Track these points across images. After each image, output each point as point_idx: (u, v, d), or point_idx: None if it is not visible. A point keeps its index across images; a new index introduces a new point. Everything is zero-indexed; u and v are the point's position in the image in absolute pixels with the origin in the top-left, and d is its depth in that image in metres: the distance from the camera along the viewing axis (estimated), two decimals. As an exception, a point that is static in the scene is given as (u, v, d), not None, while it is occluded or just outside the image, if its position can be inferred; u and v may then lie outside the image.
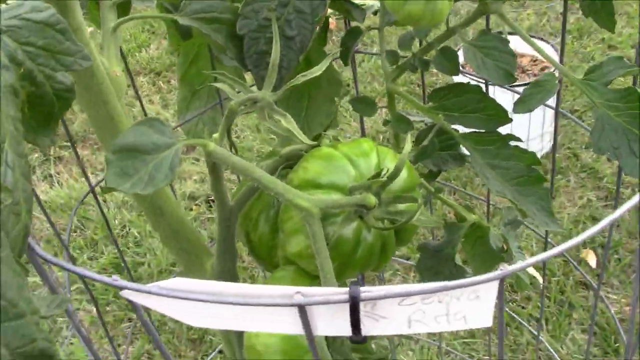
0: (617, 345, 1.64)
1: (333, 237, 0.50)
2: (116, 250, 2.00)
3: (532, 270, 1.80)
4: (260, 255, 0.61)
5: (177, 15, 0.58)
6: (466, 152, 0.70)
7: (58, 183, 2.24)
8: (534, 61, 2.27)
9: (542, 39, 2.19)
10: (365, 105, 0.74)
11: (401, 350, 1.66)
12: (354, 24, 0.73)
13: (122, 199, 2.16)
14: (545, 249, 0.99)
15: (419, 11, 0.54)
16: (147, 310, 0.42)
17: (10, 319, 0.30)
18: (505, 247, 0.74)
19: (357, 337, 0.37)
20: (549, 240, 0.96)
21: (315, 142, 0.55)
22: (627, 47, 2.49)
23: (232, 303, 0.35)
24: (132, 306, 0.39)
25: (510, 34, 0.66)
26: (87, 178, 0.72)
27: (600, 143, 0.57)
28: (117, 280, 0.37)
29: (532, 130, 2.09)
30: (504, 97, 1.28)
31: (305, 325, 0.36)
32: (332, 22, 2.36)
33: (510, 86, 1.08)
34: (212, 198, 2.15)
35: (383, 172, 0.49)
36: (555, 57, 2.08)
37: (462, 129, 0.68)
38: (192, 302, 0.36)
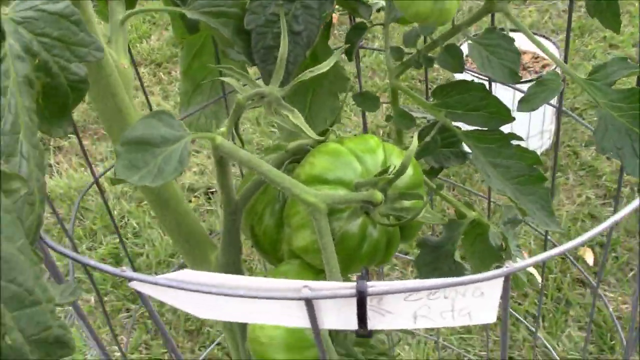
0: (612, 342, 1.65)
1: (339, 232, 0.50)
2: (115, 241, 2.01)
3: (530, 268, 1.81)
4: (264, 249, 0.61)
5: (185, 9, 0.59)
6: (468, 149, 0.70)
7: (57, 173, 2.24)
8: (536, 58, 2.27)
9: (544, 36, 2.19)
10: (368, 101, 0.74)
11: (398, 345, 1.67)
12: (358, 19, 0.74)
13: (121, 190, 2.16)
14: (545, 248, 1.00)
15: (427, 9, 0.54)
16: (145, 302, 0.42)
17: (26, 306, 0.30)
18: (504, 246, 0.75)
19: (363, 332, 0.37)
20: (548, 238, 0.97)
21: (322, 138, 0.56)
22: (629, 46, 2.50)
23: (240, 296, 0.36)
24: (140, 297, 0.40)
25: (511, 30, 0.66)
26: (91, 169, 0.73)
27: (603, 143, 0.57)
28: (125, 271, 0.37)
29: (532, 128, 2.09)
30: (505, 94, 1.28)
31: (311, 319, 0.36)
32: (334, 16, 2.36)
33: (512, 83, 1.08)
34: (212, 190, 2.15)
35: (390, 169, 0.50)
36: (557, 55, 2.09)
37: (464, 127, 0.69)
38: (200, 294, 0.36)
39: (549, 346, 1.44)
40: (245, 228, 0.62)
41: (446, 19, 0.56)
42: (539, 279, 1.80)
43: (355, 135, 0.63)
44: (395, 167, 0.50)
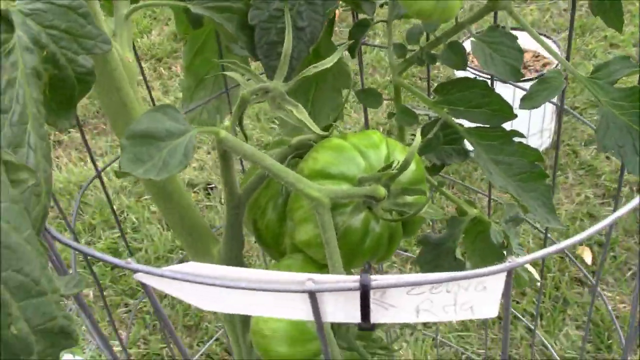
0: (610, 342, 1.65)
1: (342, 227, 0.50)
2: (114, 236, 2.01)
3: (529, 267, 1.81)
4: (267, 243, 0.61)
5: (190, 4, 0.59)
6: (469, 146, 0.70)
7: (57, 167, 2.24)
8: (536, 57, 2.28)
9: (545, 35, 2.19)
10: (371, 97, 0.75)
11: (396, 342, 1.67)
12: (361, 16, 0.74)
13: (120, 185, 2.16)
14: (544, 245, 1.00)
15: (431, 7, 0.55)
16: (145, 297, 0.42)
17: (32, 296, 0.31)
18: (505, 243, 0.75)
19: (366, 325, 0.38)
20: (548, 236, 0.97)
21: (325, 133, 0.56)
22: (629, 46, 2.50)
23: (245, 288, 0.36)
24: (144, 289, 0.40)
25: (513, 28, 0.67)
26: (93, 162, 0.73)
27: (604, 141, 0.58)
28: (130, 263, 0.38)
29: (532, 127, 2.10)
30: (505, 92, 1.28)
31: (315, 312, 0.37)
32: (337, 13, 2.36)
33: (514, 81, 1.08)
34: (211, 186, 2.15)
35: (393, 164, 0.50)
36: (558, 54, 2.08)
37: (466, 124, 0.69)
38: (204, 286, 0.37)
39: (547, 344, 1.45)
40: (247, 222, 0.62)
41: (449, 17, 0.56)
42: (537, 277, 1.80)
43: (356, 131, 0.63)
44: (398, 163, 0.50)
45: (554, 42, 2.14)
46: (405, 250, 1.84)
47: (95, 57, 0.43)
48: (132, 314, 1.78)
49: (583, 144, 2.18)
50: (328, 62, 0.54)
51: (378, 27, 2.62)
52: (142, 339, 1.77)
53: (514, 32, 0.66)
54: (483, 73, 1.12)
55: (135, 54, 0.68)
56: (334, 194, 0.47)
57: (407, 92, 2.05)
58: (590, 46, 2.53)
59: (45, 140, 0.37)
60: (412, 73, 2.47)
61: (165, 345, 1.71)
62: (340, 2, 0.74)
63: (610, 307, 1.00)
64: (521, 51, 0.63)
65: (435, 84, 0.70)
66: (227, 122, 0.51)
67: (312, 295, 0.36)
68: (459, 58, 0.67)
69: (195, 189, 2.14)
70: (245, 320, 0.63)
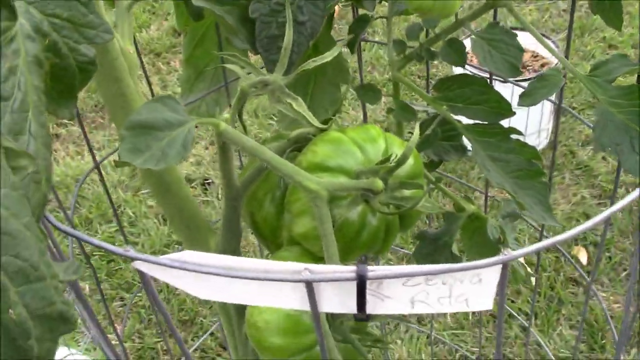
0: (603, 342, 1.66)
1: (339, 219, 0.51)
2: (110, 230, 2.01)
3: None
4: (264, 235, 0.62)
5: (191, -4, 0.59)
6: (467, 143, 0.71)
7: (54, 160, 2.24)
8: (535, 57, 2.28)
9: (544, 35, 2.20)
10: (370, 93, 0.75)
11: (390, 339, 1.68)
12: (361, 11, 0.74)
13: (117, 179, 2.17)
14: (539, 256, 1.01)
15: (431, 3, 0.55)
16: (140, 291, 0.43)
17: (31, 281, 0.31)
18: (502, 239, 0.76)
19: (362, 316, 0.38)
20: (544, 234, 0.98)
21: (324, 126, 0.56)
22: (628, 47, 2.51)
23: (241, 277, 0.36)
24: (141, 278, 0.40)
25: (512, 28, 0.67)
26: (92, 155, 0.73)
27: (602, 139, 0.58)
28: (129, 251, 0.38)
29: (530, 126, 2.10)
30: (504, 91, 1.29)
31: (311, 302, 0.37)
32: (336, 9, 2.36)
33: (512, 80, 1.09)
34: (208, 181, 2.16)
35: (391, 158, 0.50)
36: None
37: (465, 120, 0.69)
38: (202, 274, 0.37)
39: (542, 342, 1.45)
40: (245, 215, 0.62)
41: (449, 13, 0.57)
42: (533, 279, 1.81)
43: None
44: (396, 156, 0.50)
45: (553, 42, 2.15)
46: (402, 247, 1.84)
47: (96, 47, 0.43)
48: (128, 307, 1.78)
49: (580, 144, 2.19)
50: (327, 57, 0.55)
51: (378, 25, 2.63)
52: (137, 333, 1.77)
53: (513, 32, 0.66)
54: (482, 71, 1.12)
55: (136, 46, 0.68)
56: (332, 187, 0.47)
57: (405, 89, 2.06)
58: (589, 47, 2.54)
59: (46, 128, 0.37)
60: (411, 71, 2.48)
61: (160, 339, 1.72)
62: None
63: (604, 307, 1.00)
64: (521, 49, 0.64)
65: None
66: (226, 115, 0.52)
67: (309, 285, 0.36)
68: (458, 55, 0.67)
69: (192, 184, 2.14)
70: (240, 312, 0.63)
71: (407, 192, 0.52)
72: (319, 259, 0.54)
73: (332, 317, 0.52)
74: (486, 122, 0.68)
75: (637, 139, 0.56)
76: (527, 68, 2.25)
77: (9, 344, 0.31)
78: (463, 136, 0.70)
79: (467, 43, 0.73)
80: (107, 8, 0.62)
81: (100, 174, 0.74)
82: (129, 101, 0.59)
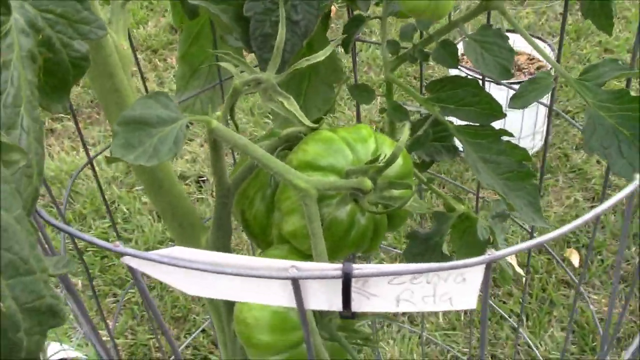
0: (594, 344, 1.67)
1: (328, 218, 0.51)
2: (104, 225, 2.01)
3: (516, 266, 1.83)
4: (254, 233, 0.62)
5: (186, -6, 0.59)
6: (459, 144, 0.71)
7: (49, 155, 2.24)
8: (531, 59, 2.29)
9: (539, 38, 2.20)
10: (363, 93, 0.75)
11: (383, 338, 1.68)
12: (356, 12, 0.74)
13: (112, 175, 2.17)
14: (529, 251, 1.01)
15: (424, 5, 0.55)
16: (132, 288, 0.43)
17: (21, 274, 0.31)
18: (491, 239, 0.76)
19: (347, 313, 0.38)
20: (534, 235, 0.98)
21: (315, 125, 0.57)
22: (623, 51, 2.52)
23: (229, 273, 0.37)
24: (132, 273, 0.41)
25: (508, 31, 0.67)
26: (86, 149, 0.74)
27: (591, 142, 0.58)
28: (118, 246, 0.38)
29: (525, 129, 2.11)
30: (499, 94, 1.29)
31: (297, 299, 0.37)
32: (332, 8, 2.36)
33: (506, 83, 1.09)
34: (203, 179, 2.16)
35: (380, 158, 0.51)
36: (552, 57, 2.09)
37: (457, 122, 0.70)
38: (191, 270, 0.37)
39: (531, 344, 1.46)
40: (236, 212, 0.63)
41: (442, 14, 0.57)
42: (523, 273, 1.82)
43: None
44: (385, 157, 0.51)
45: (549, 45, 2.16)
46: (395, 247, 1.85)
47: (90, 43, 0.44)
48: (120, 303, 1.78)
49: (574, 147, 2.19)
50: (320, 56, 0.55)
51: (375, 25, 2.63)
52: (130, 329, 1.77)
53: (509, 35, 0.67)
54: (477, 73, 1.12)
55: (131, 42, 0.69)
56: (321, 185, 0.48)
57: (401, 90, 2.06)
58: (585, 51, 2.55)
59: (38, 123, 0.37)
60: (407, 72, 2.48)
61: (152, 336, 1.72)
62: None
63: (593, 308, 1.01)
64: (512, 51, 0.64)
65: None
66: (219, 112, 0.52)
67: (295, 282, 0.36)
68: (450, 57, 0.68)
69: (186, 182, 2.15)
70: (230, 308, 0.63)
71: (396, 192, 0.52)
72: (308, 257, 0.54)
73: (320, 315, 0.52)
74: (478, 124, 0.68)
75: (626, 143, 0.57)
76: (523, 70, 2.26)
77: (-1, 335, 0.32)
78: (455, 137, 0.71)
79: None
80: (103, 4, 0.63)
81: (93, 170, 0.75)
82: (123, 97, 0.59)
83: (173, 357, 1.64)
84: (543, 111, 2.12)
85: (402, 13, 0.71)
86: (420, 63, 0.75)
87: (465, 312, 1.74)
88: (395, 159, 0.49)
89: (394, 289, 0.36)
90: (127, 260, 0.38)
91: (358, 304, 0.38)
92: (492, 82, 0.87)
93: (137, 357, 1.71)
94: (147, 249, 2.09)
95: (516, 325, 1.26)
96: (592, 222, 1.21)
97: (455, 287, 0.35)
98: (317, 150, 0.53)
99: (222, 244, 0.61)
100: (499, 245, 0.72)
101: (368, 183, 0.48)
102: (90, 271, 1.88)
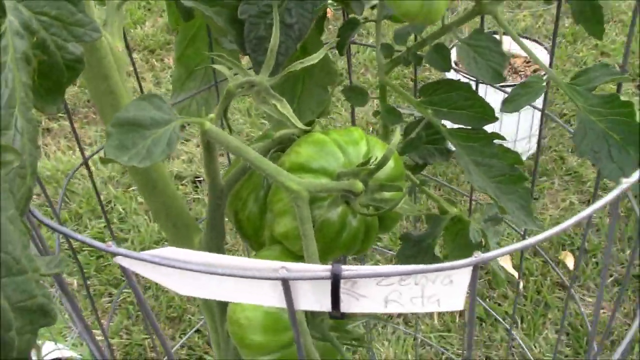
0: (596, 350, 1.67)
1: (319, 219, 0.52)
2: (100, 225, 2.01)
3: (510, 269, 1.83)
4: (247, 234, 0.62)
5: (181, -5, 0.60)
6: (452, 147, 0.72)
7: (45, 155, 2.24)
8: (527, 62, 2.30)
9: (536, 41, 2.21)
10: (357, 95, 0.76)
11: (378, 339, 1.69)
12: (351, 15, 0.75)
13: (108, 175, 2.17)
14: (521, 254, 1.02)
15: (416, 9, 0.56)
16: (127, 288, 0.44)
17: (13, 274, 0.32)
18: (483, 242, 0.77)
19: (336, 314, 0.39)
20: (526, 238, 0.99)
21: (308, 127, 0.57)
22: (620, 55, 2.52)
23: (220, 274, 0.37)
24: (124, 273, 0.41)
25: (506, 34, 0.68)
26: (81, 150, 0.74)
27: (582, 146, 0.59)
28: (111, 246, 0.39)
29: (521, 132, 2.12)
30: (496, 97, 1.29)
31: (287, 299, 0.38)
32: (330, 11, 2.37)
33: (502, 86, 1.10)
34: (199, 179, 2.16)
35: (371, 160, 0.51)
36: (548, 60, 2.10)
37: (450, 125, 0.70)
38: (183, 270, 0.38)
39: (524, 346, 1.46)
40: (229, 213, 0.63)
41: (435, 18, 0.58)
42: (521, 283, 1.82)
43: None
44: (376, 159, 0.51)
45: (545, 48, 2.16)
46: (391, 249, 1.85)
47: (84, 45, 0.44)
48: (115, 303, 1.78)
49: (570, 150, 2.20)
50: (314, 59, 0.55)
51: (372, 27, 2.63)
52: (125, 329, 1.78)
53: (506, 37, 0.67)
54: (473, 76, 1.13)
55: (127, 44, 0.69)
56: (313, 187, 0.48)
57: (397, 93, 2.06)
58: (581, 54, 2.56)
59: (32, 124, 0.37)
60: (404, 74, 2.49)
61: (147, 336, 1.72)
62: (332, 2, 0.75)
63: (587, 312, 1.01)
64: (504, 55, 0.65)
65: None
66: (212, 114, 0.53)
67: (285, 282, 0.37)
68: (443, 60, 0.68)
69: (183, 182, 2.15)
70: (223, 309, 0.64)
71: (387, 194, 0.53)
72: (299, 258, 0.55)
73: (312, 315, 0.53)
74: (470, 127, 0.69)
75: (616, 147, 0.57)
76: (519, 73, 2.27)
77: (-9, 334, 0.32)
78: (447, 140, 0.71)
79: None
80: (98, 5, 0.63)
81: (88, 170, 0.75)
82: (117, 98, 0.60)
83: (166, 357, 1.64)
84: (539, 114, 2.13)
85: (396, 17, 0.71)
86: (414, 66, 0.75)
87: (460, 314, 1.75)
88: (386, 162, 0.50)
89: (382, 290, 0.37)
90: (119, 260, 0.39)
91: (347, 305, 0.38)
92: (490, 85, 0.88)
93: (132, 357, 1.71)
94: (143, 249, 2.09)
95: (508, 327, 1.26)
96: (584, 224, 1.22)
97: (442, 289, 0.36)
98: (309, 152, 0.54)
99: (216, 245, 0.61)
100: (491, 248, 0.73)
101: (359, 185, 0.48)
102: (86, 271, 1.89)
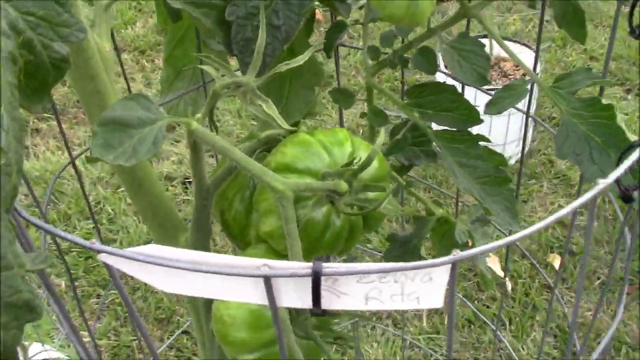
0: (578, 349, 1.68)
1: (304, 219, 0.52)
2: (89, 226, 2.01)
3: (499, 271, 1.84)
4: (233, 234, 0.63)
5: (168, -3, 0.60)
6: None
7: (34, 155, 2.24)
8: (517, 66, 2.31)
9: (525, 45, 2.22)
10: (344, 97, 0.76)
11: (366, 341, 1.69)
12: (339, 17, 0.75)
13: (97, 176, 2.17)
14: (507, 249, 1.03)
15: (401, 11, 0.57)
16: (113, 276, 0.44)
17: (-2, 269, 0.32)
18: (470, 243, 0.77)
19: (317, 310, 0.39)
20: (517, 245, 0.99)
21: (294, 128, 0.58)
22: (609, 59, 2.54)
23: (202, 271, 0.38)
24: (108, 271, 0.42)
25: (505, 39, 0.68)
26: (68, 149, 0.74)
27: (563, 149, 0.60)
28: (95, 243, 0.39)
29: (510, 134, 2.13)
30: (485, 100, 1.30)
31: (269, 296, 0.38)
32: (320, 14, 2.38)
33: (491, 89, 1.11)
34: (189, 180, 2.16)
35: (355, 161, 0.52)
36: (539, 64, 2.12)
37: (436, 127, 0.71)
38: (167, 268, 0.38)
39: (510, 348, 1.47)
40: (215, 213, 0.64)
41: (419, 21, 0.58)
42: (509, 285, 1.84)
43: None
44: (361, 159, 0.52)
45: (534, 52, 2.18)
46: (380, 251, 1.86)
47: (71, 45, 0.44)
48: (102, 304, 1.78)
49: (558, 153, 2.21)
50: (300, 60, 0.56)
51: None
52: (113, 331, 1.77)
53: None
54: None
55: (115, 45, 0.69)
56: (297, 187, 0.49)
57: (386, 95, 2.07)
58: (571, 58, 2.57)
59: (19, 123, 0.38)
60: (395, 77, 2.50)
61: (135, 338, 1.72)
62: (319, 4, 0.75)
63: (567, 310, 1.02)
64: (488, 59, 0.65)
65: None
66: (198, 114, 0.53)
67: (267, 280, 0.37)
68: (429, 63, 0.69)
69: (173, 183, 2.15)
70: (209, 307, 0.64)
71: (371, 194, 0.54)
72: (284, 257, 0.55)
73: (296, 314, 0.53)
74: (455, 129, 0.69)
75: (597, 150, 0.58)
76: (509, 77, 2.28)
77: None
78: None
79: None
80: (86, 6, 0.63)
81: (75, 169, 0.75)
82: (104, 99, 0.60)
83: (152, 358, 1.64)
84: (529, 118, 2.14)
85: (383, 19, 0.72)
86: (401, 68, 0.76)
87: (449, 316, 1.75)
88: (370, 162, 0.51)
89: (362, 288, 0.37)
90: (103, 257, 0.39)
91: (328, 302, 0.39)
92: (472, 86, 0.89)
93: (120, 359, 1.71)
94: (132, 250, 2.07)
95: (494, 328, 1.27)
96: (570, 225, 1.23)
97: (422, 286, 0.37)
98: (294, 153, 0.55)
99: (202, 245, 0.62)
100: (476, 248, 0.73)
101: (343, 185, 0.49)
102: (75, 272, 1.88)
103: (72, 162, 0.74)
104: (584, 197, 0.40)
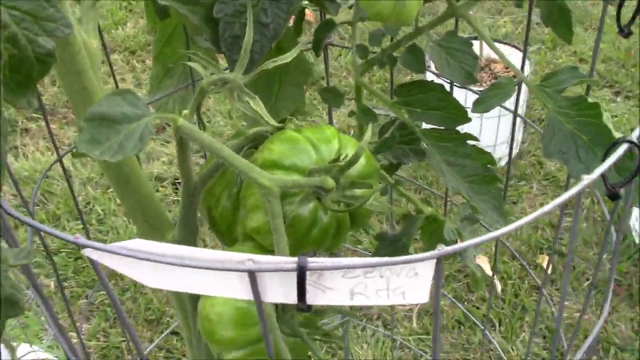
0: (565, 348, 1.69)
1: (290, 215, 0.52)
2: (78, 227, 2.00)
3: (489, 271, 1.85)
4: (220, 231, 0.63)
5: (156, -6, 0.60)
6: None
7: (23, 155, 2.23)
8: (507, 68, 2.32)
9: (515, 47, 2.23)
10: (333, 96, 0.77)
11: (356, 342, 1.69)
12: (328, 16, 0.76)
13: (87, 176, 2.16)
14: (496, 247, 1.03)
15: (388, 10, 0.57)
16: (98, 272, 0.44)
17: (-21, 264, 0.32)
18: (459, 241, 0.78)
19: (302, 306, 0.39)
20: (507, 243, 1.00)
21: (281, 125, 0.58)
22: (598, 61, 2.56)
23: (187, 266, 0.38)
24: (93, 266, 0.41)
25: (496, 41, 0.69)
26: (56, 149, 0.74)
27: (550, 147, 0.60)
28: (79, 238, 0.39)
29: (501, 136, 2.14)
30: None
31: (254, 291, 0.38)
32: (311, 14, 2.38)
33: (482, 90, 1.11)
34: (179, 181, 2.16)
35: (342, 157, 0.52)
36: (527, 66, 2.13)
37: (424, 126, 0.71)
38: (151, 263, 0.38)
39: (499, 349, 1.48)
40: (203, 210, 0.64)
41: (407, 20, 0.58)
42: (499, 287, 1.84)
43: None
44: (348, 156, 0.52)
45: (524, 54, 2.18)
46: (370, 252, 1.86)
47: (57, 41, 0.44)
48: (89, 303, 1.77)
49: (548, 155, 2.22)
50: (287, 57, 0.56)
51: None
52: (102, 332, 1.77)
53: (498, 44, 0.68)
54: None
55: (103, 42, 0.69)
56: (284, 183, 0.49)
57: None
58: (561, 60, 2.59)
59: (2, 118, 0.38)
60: (386, 78, 2.50)
61: (124, 339, 1.71)
62: (309, 3, 0.75)
63: (553, 310, 1.02)
64: (476, 57, 0.66)
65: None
66: (185, 111, 0.53)
67: (252, 274, 0.37)
68: (417, 61, 0.69)
69: (163, 183, 2.15)
70: (195, 305, 0.64)
71: (358, 191, 0.54)
72: (270, 253, 0.55)
73: (282, 311, 0.53)
74: (443, 128, 0.70)
75: (584, 148, 0.58)
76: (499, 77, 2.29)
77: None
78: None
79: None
80: (74, 5, 0.63)
81: (63, 168, 0.75)
82: (91, 95, 0.60)
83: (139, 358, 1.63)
84: (519, 119, 2.15)
85: (369, 17, 0.72)
86: (390, 67, 0.76)
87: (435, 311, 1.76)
88: (357, 159, 0.51)
89: (348, 283, 0.37)
90: (87, 252, 0.39)
91: (313, 297, 0.39)
92: (458, 84, 0.89)
93: (109, 360, 1.70)
94: (122, 251, 2.06)
95: (483, 328, 1.27)
96: (557, 225, 1.24)
97: (407, 281, 0.37)
98: (282, 149, 0.55)
99: (188, 242, 0.62)
100: (464, 247, 0.73)
101: (330, 182, 0.49)
102: (64, 272, 1.88)
103: (60, 160, 0.74)
104: (570, 192, 0.40)
